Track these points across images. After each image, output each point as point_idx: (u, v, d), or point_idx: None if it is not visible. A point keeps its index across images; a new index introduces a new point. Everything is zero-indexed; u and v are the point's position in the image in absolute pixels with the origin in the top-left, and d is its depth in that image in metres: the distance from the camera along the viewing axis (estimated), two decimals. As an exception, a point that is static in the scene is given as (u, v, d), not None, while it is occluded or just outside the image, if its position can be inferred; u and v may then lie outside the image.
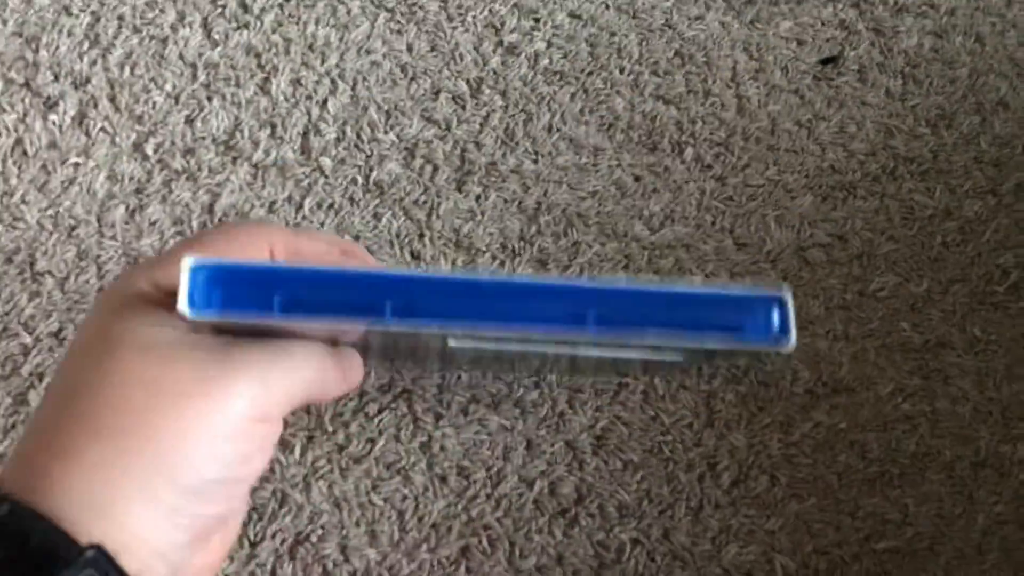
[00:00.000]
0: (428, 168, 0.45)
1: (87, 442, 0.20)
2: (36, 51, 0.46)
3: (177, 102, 0.45)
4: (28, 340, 0.40)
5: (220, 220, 0.43)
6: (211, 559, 0.22)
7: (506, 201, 0.45)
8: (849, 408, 0.41)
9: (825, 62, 0.51)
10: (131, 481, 0.19)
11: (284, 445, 0.39)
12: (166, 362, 0.21)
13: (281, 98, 0.46)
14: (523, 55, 0.49)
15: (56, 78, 0.45)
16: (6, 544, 0.19)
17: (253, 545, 0.38)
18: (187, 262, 0.21)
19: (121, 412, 0.20)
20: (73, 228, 0.42)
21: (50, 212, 0.42)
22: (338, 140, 0.45)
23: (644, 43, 0.50)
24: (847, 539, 0.39)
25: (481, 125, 0.47)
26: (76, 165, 0.43)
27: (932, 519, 0.39)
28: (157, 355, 0.21)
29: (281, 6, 0.48)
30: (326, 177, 0.45)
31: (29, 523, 0.19)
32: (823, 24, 0.51)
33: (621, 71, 0.49)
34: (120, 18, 0.47)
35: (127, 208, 0.43)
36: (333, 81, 0.47)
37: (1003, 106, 0.50)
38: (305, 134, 0.45)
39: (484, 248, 0.44)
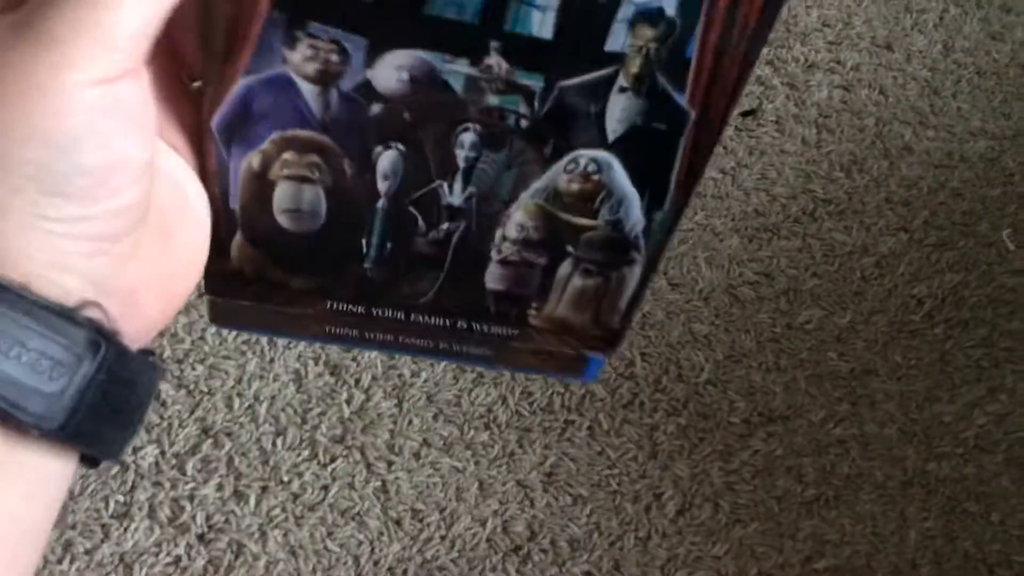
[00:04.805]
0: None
1: None
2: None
3: None
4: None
5: None
6: (152, 270, 0.17)
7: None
8: (784, 435, 0.43)
9: (745, 115, 0.55)
10: None
11: (239, 496, 0.40)
12: None
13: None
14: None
15: None
16: None
17: (208, 598, 0.38)
18: None
19: None
20: None
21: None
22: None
23: (576, 101, 0.53)
24: (789, 560, 0.40)
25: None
26: None
27: (868, 537, 0.41)
28: None
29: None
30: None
31: None
32: (741, 80, 0.55)
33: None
34: None
35: None
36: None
37: (908, 150, 0.54)
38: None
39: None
